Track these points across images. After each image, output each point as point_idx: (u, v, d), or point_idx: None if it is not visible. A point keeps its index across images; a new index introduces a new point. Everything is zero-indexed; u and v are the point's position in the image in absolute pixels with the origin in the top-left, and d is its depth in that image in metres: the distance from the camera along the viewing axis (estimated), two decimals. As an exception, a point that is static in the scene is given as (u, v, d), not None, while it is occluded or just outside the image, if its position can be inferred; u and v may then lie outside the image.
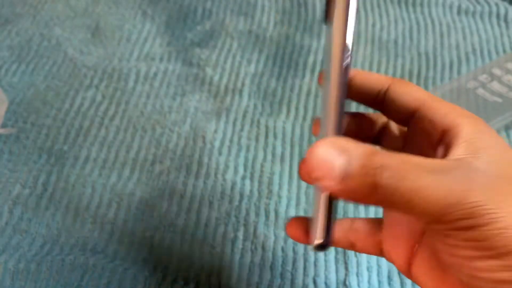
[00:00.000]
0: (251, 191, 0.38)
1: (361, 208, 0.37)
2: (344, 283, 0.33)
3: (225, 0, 0.54)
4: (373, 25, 0.51)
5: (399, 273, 0.33)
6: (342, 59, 0.18)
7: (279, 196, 0.38)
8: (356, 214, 0.37)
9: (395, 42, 0.49)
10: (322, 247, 0.17)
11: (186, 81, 0.46)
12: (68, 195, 0.38)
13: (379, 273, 0.33)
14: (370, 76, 0.19)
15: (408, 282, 0.33)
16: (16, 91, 0.45)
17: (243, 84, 0.45)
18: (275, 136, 0.42)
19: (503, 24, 0.50)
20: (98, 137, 0.42)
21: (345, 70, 0.18)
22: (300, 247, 0.35)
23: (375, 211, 0.37)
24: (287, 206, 0.37)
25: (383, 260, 0.34)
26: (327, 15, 0.19)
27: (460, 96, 0.43)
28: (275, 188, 0.38)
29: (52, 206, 0.37)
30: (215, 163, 0.40)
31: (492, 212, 0.14)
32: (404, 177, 0.14)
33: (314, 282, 0.33)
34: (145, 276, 0.33)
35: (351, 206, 0.37)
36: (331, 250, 0.35)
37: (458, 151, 0.16)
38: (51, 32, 0.51)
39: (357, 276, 0.33)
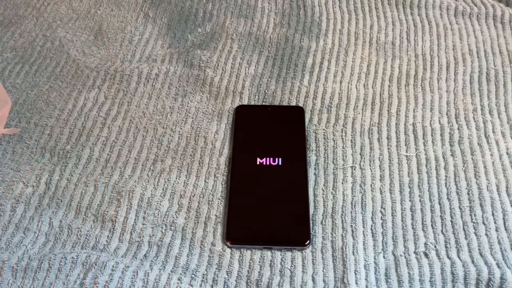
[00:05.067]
0: (250, 190, 0.39)
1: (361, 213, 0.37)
2: (342, 281, 0.33)
3: (226, 3, 0.54)
4: (371, 27, 0.51)
5: (396, 271, 0.34)
6: None
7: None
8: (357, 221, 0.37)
9: (393, 43, 0.50)
10: None
11: (187, 82, 0.47)
12: (70, 194, 0.38)
13: (376, 271, 0.34)
14: None
15: (405, 279, 0.33)
16: (19, 92, 0.46)
17: (243, 86, 0.46)
18: (274, 136, 0.42)
19: (499, 25, 0.51)
20: (100, 137, 0.42)
21: None
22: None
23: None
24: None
25: (380, 258, 0.35)
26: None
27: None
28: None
29: (55, 204, 0.38)
30: (216, 163, 0.40)
31: None
32: None
33: (313, 280, 0.34)
34: (145, 272, 0.33)
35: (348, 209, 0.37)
36: (329, 248, 0.35)
37: None
38: (54, 34, 0.51)
39: (355, 273, 0.34)
